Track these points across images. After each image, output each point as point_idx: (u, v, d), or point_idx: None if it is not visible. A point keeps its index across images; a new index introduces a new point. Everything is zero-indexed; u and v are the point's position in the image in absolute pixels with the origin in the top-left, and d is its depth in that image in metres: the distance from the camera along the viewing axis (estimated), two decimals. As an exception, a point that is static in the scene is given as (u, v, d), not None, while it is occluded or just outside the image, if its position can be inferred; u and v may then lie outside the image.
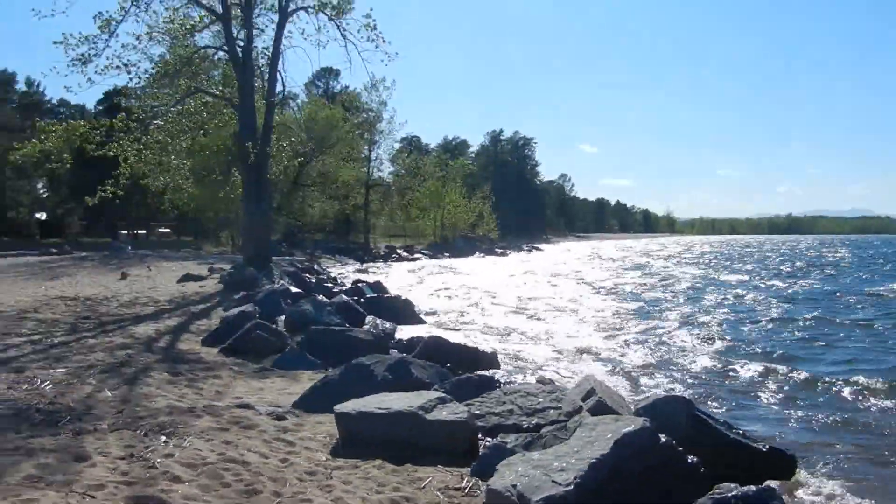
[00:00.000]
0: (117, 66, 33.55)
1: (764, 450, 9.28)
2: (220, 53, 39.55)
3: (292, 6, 38.08)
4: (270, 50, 38.39)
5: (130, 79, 35.44)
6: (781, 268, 67.91)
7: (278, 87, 38.85)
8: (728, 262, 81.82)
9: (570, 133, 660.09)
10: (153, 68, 37.14)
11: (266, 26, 39.16)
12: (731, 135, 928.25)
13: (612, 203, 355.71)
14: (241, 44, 36.99)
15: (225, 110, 39.78)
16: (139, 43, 34.82)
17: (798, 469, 9.81)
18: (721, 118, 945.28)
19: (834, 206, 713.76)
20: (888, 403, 14.72)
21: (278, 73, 38.30)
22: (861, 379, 16.91)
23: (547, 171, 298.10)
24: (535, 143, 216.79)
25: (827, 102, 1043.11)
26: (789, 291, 40.09)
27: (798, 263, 76.80)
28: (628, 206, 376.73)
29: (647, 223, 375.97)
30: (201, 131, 42.19)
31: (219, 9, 36.43)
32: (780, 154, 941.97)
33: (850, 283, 48.35)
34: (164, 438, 9.19)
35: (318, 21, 38.22)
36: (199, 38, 38.80)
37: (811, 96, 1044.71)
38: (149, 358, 15.51)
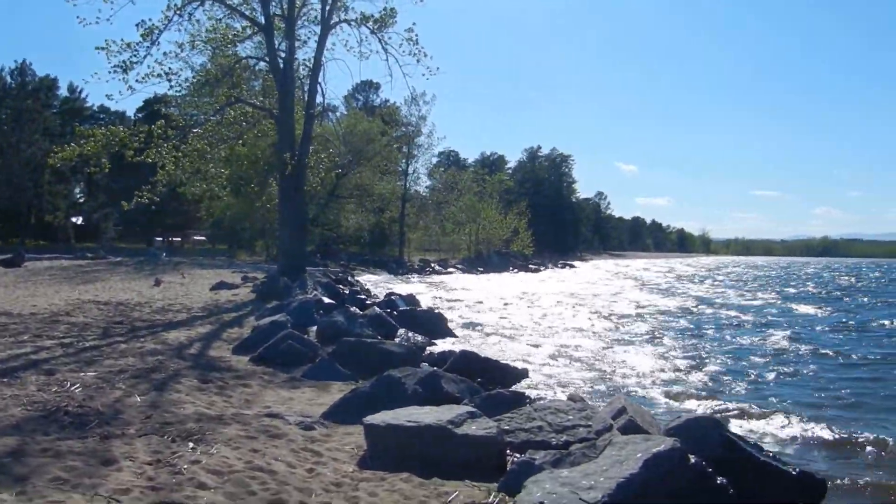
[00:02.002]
0: (158, 74, 33.75)
1: (794, 473, 9.17)
2: (262, 64, 39.81)
3: (335, 19, 38.24)
4: (311, 61, 38.53)
5: (171, 87, 35.67)
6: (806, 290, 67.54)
7: (318, 99, 39.04)
8: (744, 283, 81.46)
9: (609, 151, 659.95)
10: (194, 77, 37.43)
11: (308, 38, 39.46)
12: (769, 156, 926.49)
13: (648, 222, 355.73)
14: (283, 55, 37.20)
15: (264, 121, 39.96)
16: (181, 52, 35.14)
17: (828, 493, 9.71)
18: (759, 139, 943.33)
19: (872, 230, 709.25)
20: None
21: (319, 85, 38.49)
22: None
23: (584, 189, 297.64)
24: (573, 160, 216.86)
25: (867, 126, 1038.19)
26: (838, 321, 39.73)
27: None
28: (664, 225, 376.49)
29: (681, 243, 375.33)
30: (240, 141, 42.32)
31: (261, 20, 36.67)
32: (819, 177, 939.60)
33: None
34: (191, 445, 9.21)
35: (360, 34, 38.33)
36: (241, 48, 39.16)
37: (851, 119, 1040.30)
38: (179, 364, 15.56)
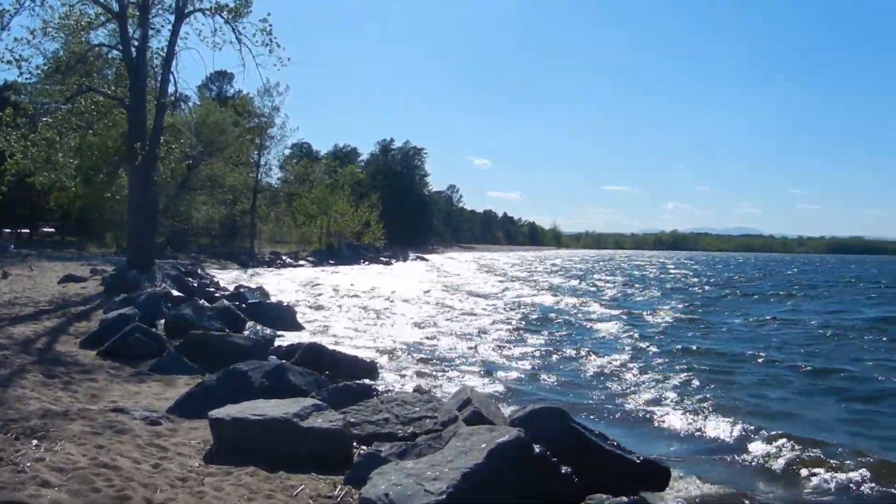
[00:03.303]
0: (8, 61, 33.00)
1: (638, 461, 9.43)
2: (115, 52, 39.02)
3: (189, 7, 37.59)
4: (165, 51, 38.04)
5: (21, 74, 34.93)
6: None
7: (171, 89, 38.38)
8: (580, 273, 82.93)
9: (462, 145, 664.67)
10: (45, 64, 36.67)
11: (162, 27, 38.65)
12: (619, 152, 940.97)
13: (500, 215, 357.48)
14: (136, 43, 36.56)
15: (115, 110, 39.31)
16: (33, 38, 34.29)
17: (672, 481, 9.94)
18: (610, 135, 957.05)
19: (721, 225, 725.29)
20: (754, 423, 14.99)
21: (171, 75, 37.88)
22: (736, 396, 17.48)
23: (436, 182, 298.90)
24: (426, 153, 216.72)
25: (716, 123, 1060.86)
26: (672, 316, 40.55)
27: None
28: (515, 218, 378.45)
29: (533, 236, 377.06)
30: (90, 130, 41.63)
31: (115, 7, 35.94)
32: (668, 173, 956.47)
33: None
34: (35, 442, 9.07)
35: (215, 23, 37.81)
36: (94, 35, 38.30)
37: (699, 116, 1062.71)
38: (24, 359, 15.29)
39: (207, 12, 37.65)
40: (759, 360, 22.80)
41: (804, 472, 11.54)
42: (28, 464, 8.20)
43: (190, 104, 74.42)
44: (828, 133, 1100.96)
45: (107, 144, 55.62)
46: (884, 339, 28.63)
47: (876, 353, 25.25)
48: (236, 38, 37.56)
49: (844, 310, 43.41)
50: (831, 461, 11.91)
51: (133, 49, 36.35)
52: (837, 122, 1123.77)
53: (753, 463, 12.02)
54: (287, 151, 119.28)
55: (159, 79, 38.16)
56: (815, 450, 12.54)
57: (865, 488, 10.93)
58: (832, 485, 11.04)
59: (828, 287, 70.56)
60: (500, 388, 17.59)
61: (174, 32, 37.24)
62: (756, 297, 54.44)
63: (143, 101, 36.97)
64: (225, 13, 37.28)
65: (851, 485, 11.00)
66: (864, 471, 11.40)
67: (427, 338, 25.84)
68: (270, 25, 36.97)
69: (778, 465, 11.86)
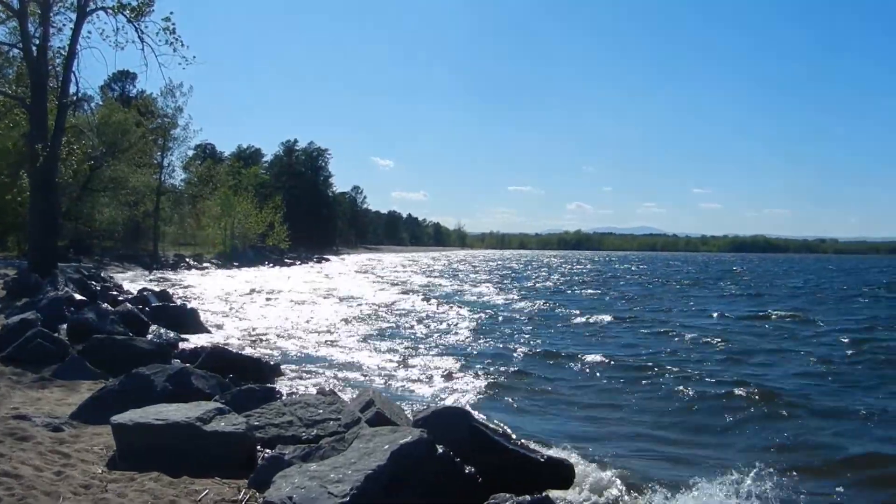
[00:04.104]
0: None
1: (542, 460, 9.50)
2: (15, 51, 38.62)
3: (91, 6, 37.18)
4: (66, 49, 37.61)
5: (-83, 73, 34.49)
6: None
7: (72, 89, 38.06)
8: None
9: (365, 146, 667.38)
10: (-58, 63, 36.25)
11: (63, 25, 38.27)
12: (522, 152, 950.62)
13: (405, 216, 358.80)
14: (37, 42, 36.14)
15: (16, 110, 38.88)
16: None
17: (577, 478, 10.05)
18: (513, 135, 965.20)
19: (625, 225, 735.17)
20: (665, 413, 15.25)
21: (73, 74, 37.52)
22: (642, 391, 17.81)
23: (340, 183, 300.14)
24: (330, 154, 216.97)
25: (618, 123, 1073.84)
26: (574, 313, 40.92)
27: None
28: (420, 219, 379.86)
29: (438, 237, 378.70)
30: (-9, 131, 41.19)
31: (15, 4, 35.59)
32: (571, 173, 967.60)
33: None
34: (-68, 451, 8.94)
35: (117, 22, 37.45)
36: (-7, 33, 37.93)
37: (601, 116, 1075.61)
38: (-79, 367, 15.10)
39: (110, 11, 37.38)
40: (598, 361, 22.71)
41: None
42: (-74, 474, 8.09)
43: (92, 104, 73.75)
44: (731, 133, 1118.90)
45: (7, 146, 55.07)
46: (718, 341, 28.27)
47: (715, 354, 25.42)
48: (139, 37, 37.40)
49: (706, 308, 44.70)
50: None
51: (34, 48, 35.94)
52: (740, 122, 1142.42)
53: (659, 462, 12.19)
54: (190, 152, 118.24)
55: (60, 78, 37.79)
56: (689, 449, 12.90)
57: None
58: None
59: (711, 284, 73.99)
60: (404, 389, 17.72)
61: (76, 31, 36.90)
62: (631, 296, 56.14)
63: (44, 101, 36.57)
64: (127, 12, 36.98)
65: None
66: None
67: (333, 339, 26.08)
68: (174, 24, 36.80)
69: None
